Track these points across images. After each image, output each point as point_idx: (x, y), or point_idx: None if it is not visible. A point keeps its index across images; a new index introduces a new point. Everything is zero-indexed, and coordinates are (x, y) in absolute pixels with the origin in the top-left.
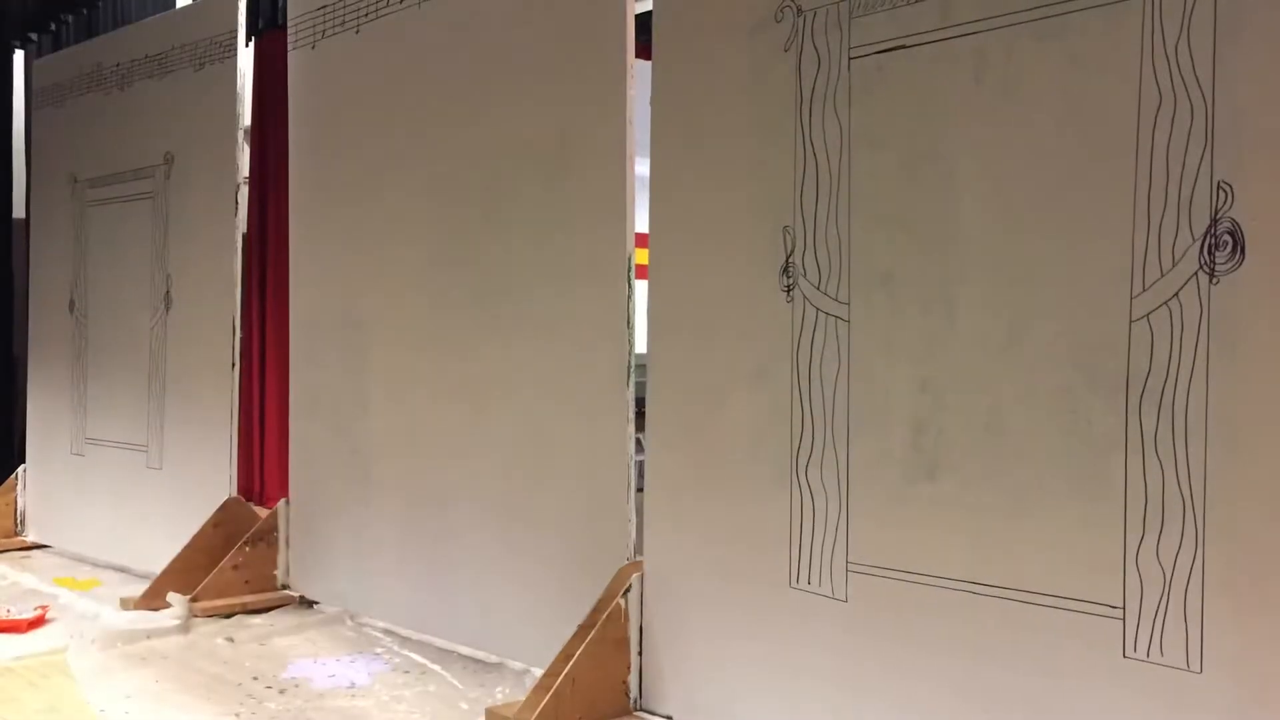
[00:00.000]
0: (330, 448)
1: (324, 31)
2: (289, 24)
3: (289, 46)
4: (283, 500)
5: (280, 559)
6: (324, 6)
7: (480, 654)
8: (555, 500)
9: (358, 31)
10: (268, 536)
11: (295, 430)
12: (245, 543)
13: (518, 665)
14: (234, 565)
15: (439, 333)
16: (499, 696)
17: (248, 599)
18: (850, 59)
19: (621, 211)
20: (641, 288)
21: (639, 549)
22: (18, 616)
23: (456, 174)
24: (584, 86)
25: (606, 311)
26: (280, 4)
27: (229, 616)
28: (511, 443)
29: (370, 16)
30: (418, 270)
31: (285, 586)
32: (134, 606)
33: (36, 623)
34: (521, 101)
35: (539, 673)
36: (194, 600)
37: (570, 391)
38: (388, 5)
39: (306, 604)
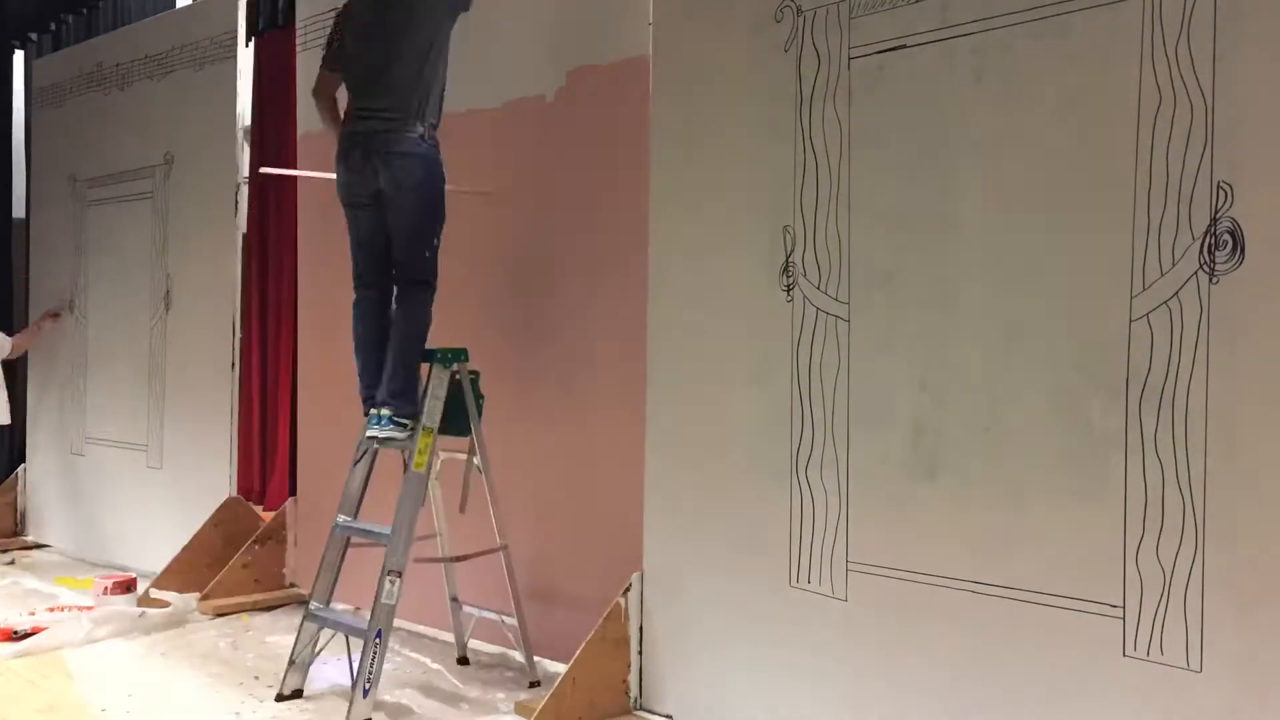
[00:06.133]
0: (338, 447)
1: None
2: (298, 25)
3: (297, 48)
4: (291, 499)
5: (289, 558)
6: (335, 9)
7: (486, 647)
8: (570, 498)
9: None
10: (276, 535)
11: (304, 430)
12: (254, 541)
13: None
14: (244, 564)
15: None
16: (498, 698)
17: (257, 597)
18: (850, 59)
19: None
20: None
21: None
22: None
23: None
24: None
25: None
26: (280, 4)
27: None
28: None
29: None
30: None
31: (294, 585)
32: (137, 605)
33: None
34: None
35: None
36: (204, 599)
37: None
38: None
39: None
